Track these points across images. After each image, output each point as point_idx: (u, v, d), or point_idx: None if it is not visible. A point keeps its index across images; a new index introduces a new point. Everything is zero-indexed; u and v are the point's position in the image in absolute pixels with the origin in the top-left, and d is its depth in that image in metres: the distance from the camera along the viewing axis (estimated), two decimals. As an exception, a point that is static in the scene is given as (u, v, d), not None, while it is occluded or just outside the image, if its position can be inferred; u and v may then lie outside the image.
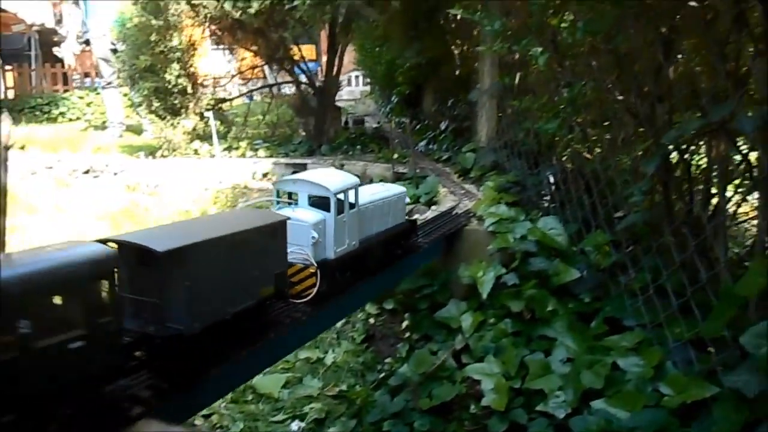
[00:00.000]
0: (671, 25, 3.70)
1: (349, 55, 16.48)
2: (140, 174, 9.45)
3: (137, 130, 14.10)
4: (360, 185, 3.18)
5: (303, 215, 2.84)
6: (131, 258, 1.94)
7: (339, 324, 4.77)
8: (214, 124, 10.67)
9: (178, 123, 10.37)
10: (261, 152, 10.88)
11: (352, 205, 3.08)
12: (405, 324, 4.62)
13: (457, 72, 9.78)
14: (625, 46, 3.87)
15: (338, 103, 20.46)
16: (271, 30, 9.20)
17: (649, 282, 3.55)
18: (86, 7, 13.03)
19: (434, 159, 8.96)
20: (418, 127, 12.40)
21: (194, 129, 10.87)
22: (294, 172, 10.27)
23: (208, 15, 8.91)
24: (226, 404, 4.03)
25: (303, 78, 11.44)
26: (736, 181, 3.98)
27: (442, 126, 9.97)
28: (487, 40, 5.78)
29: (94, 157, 10.21)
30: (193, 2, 8.70)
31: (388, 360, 4.39)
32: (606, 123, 4.70)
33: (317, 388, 4.18)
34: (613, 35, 3.74)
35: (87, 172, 9.41)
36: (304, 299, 2.78)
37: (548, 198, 5.32)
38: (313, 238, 2.83)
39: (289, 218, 2.61)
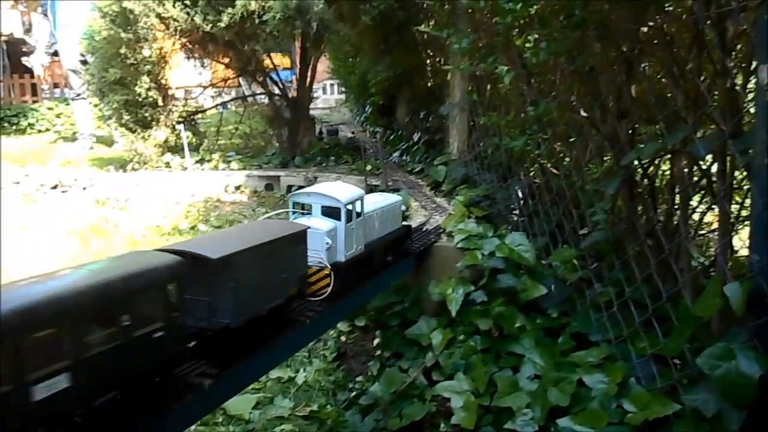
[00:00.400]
0: (632, 46, 3.78)
1: (324, 63, 16.47)
2: (110, 188, 9.29)
3: (108, 142, 13.91)
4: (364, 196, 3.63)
5: (317, 224, 3.25)
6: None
7: (311, 343, 4.76)
8: (185, 137, 10.56)
9: (149, 136, 10.24)
10: (234, 164, 10.80)
11: (358, 214, 3.51)
12: (376, 341, 4.62)
13: (429, 84, 9.86)
14: (587, 65, 3.95)
15: (314, 112, 20.39)
16: (243, 42, 9.15)
17: (613, 297, 3.61)
18: (54, 18, 12.82)
19: (407, 171, 9.00)
20: (391, 137, 12.45)
21: (166, 141, 10.75)
22: (267, 185, 10.25)
23: (179, 28, 8.82)
24: (195, 427, 3.98)
25: (276, 89, 11.41)
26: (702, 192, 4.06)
27: (415, 137, 10.02)
28: (456, 56, 5.84)
29: (62, 171, 10.03)
30: (162, 16, 8.60)
31: (359, 378, 4.38)
32: (572, 139, 4.78)
33: (288, 408, 4.14)
34: (575, 55, 3.81)
35: (55, 187, 9.22)
36: (320, 297, 3.18)
37: (517, 212, 5.38)
38: (327, 243, 3.24)
39: (309, 227, 3.02)
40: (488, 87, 6.17)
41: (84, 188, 9.27)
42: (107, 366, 1.84)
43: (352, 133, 14.97)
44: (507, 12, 4.01)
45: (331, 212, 3.32)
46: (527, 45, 4.26)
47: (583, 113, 4.33)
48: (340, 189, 3.48)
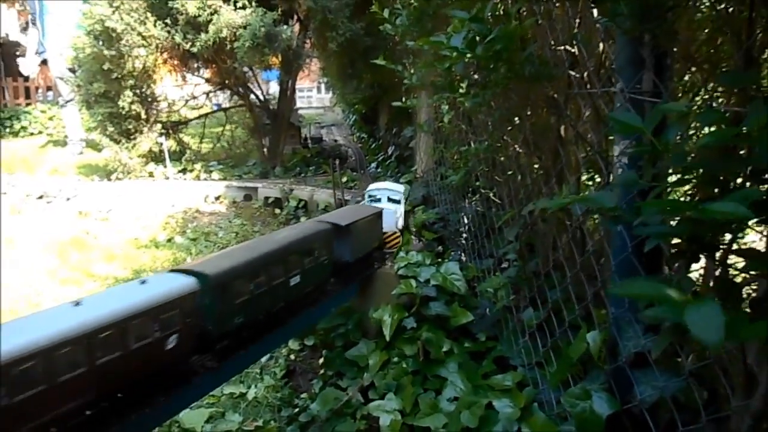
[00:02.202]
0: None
1: (317, 63, 16.75)
2: (94, 198, 9.62)
3: (98, 147, 14.23)
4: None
5: (387, 206, 5.43)
6: None
7: (264, 359, 5.14)
8: (166, 149, 10.89)
9: (133, 146, 10.57)
10: (215, 174, 11.13)
11: (403, 200, 5.79)
12: (321, 360, 4.98)
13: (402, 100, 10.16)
14: (512, 115, 4.29)
15: (307, 112, 20.52)
16: (223, 60, 9.47)
17: (525, 325, 3.96)
18: (43, 26, 13.12)
19: (379, 184, 9.33)
20: (373, 145, 12.78)
21: (150, 151, 11.08)
22: (246, 195, 10.59)
23: (160, 45, 9.15)
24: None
25: (258, 99, 11.69)
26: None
27: (390, 150, 10.37)
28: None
29: (49, 181, 10.38)
30: (144, 34, 8.93)
31: (303, 395, 4.75)
32: (510, 173, 5.11)
33: (237, 423, 4.51)
34: (497, 106, 4.15)
35: (41, 197, 9.57)
36: (392, 249, 5.32)
37: (465, 236, 5.73)
38: (396, 217, 5.45)
39: (382, 209, 5.16)
40: (439, 120, 6.52)
41: (68, 199, 9.61)
42: (310, 275, 3.78)
43: (335, 141, 15.27)
44: (445, 58, 4.36)
45: (392, 199, 5.56)
46: (460, 90, 4.59)
47: (517, 148, 4.67)
48: (397, 186, 5.91)
